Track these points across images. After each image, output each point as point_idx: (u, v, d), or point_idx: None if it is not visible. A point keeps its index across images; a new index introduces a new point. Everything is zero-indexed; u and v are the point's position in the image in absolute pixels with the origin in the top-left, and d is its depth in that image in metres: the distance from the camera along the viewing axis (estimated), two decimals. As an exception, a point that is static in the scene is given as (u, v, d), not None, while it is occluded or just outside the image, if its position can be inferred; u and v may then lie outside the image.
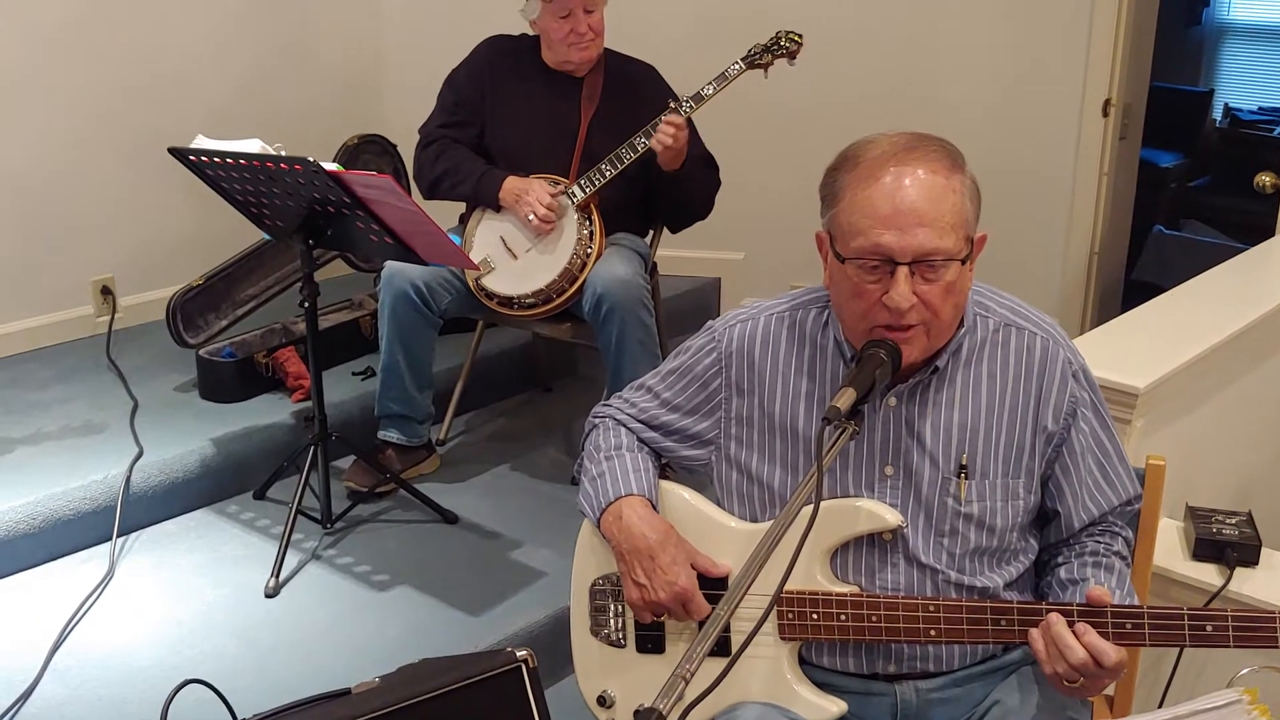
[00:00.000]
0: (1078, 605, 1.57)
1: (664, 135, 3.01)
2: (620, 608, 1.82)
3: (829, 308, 1.72)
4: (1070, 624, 1.55)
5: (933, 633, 1.65)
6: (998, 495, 1.68)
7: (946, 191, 1.55)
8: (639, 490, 1.78)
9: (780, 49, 3.12)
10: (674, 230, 3.42)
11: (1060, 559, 1.75)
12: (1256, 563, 2.22)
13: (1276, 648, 1.52)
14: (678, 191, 3.21)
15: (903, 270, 1.54)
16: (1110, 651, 1.52)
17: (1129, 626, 1.55)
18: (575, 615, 1.87)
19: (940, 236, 1.53)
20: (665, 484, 1.83)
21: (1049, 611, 1.57)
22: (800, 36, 3.12)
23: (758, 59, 3.12)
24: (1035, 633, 1.58)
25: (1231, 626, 1.53)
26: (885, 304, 1.56)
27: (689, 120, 3.12)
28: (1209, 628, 1.53)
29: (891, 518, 1.67)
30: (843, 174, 1.60)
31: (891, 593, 1.69)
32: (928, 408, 1.68)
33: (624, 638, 1.82)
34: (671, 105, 3.05)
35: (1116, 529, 1.75)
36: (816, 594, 1.68)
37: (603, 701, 1.83)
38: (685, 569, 1.71)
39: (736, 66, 3.10)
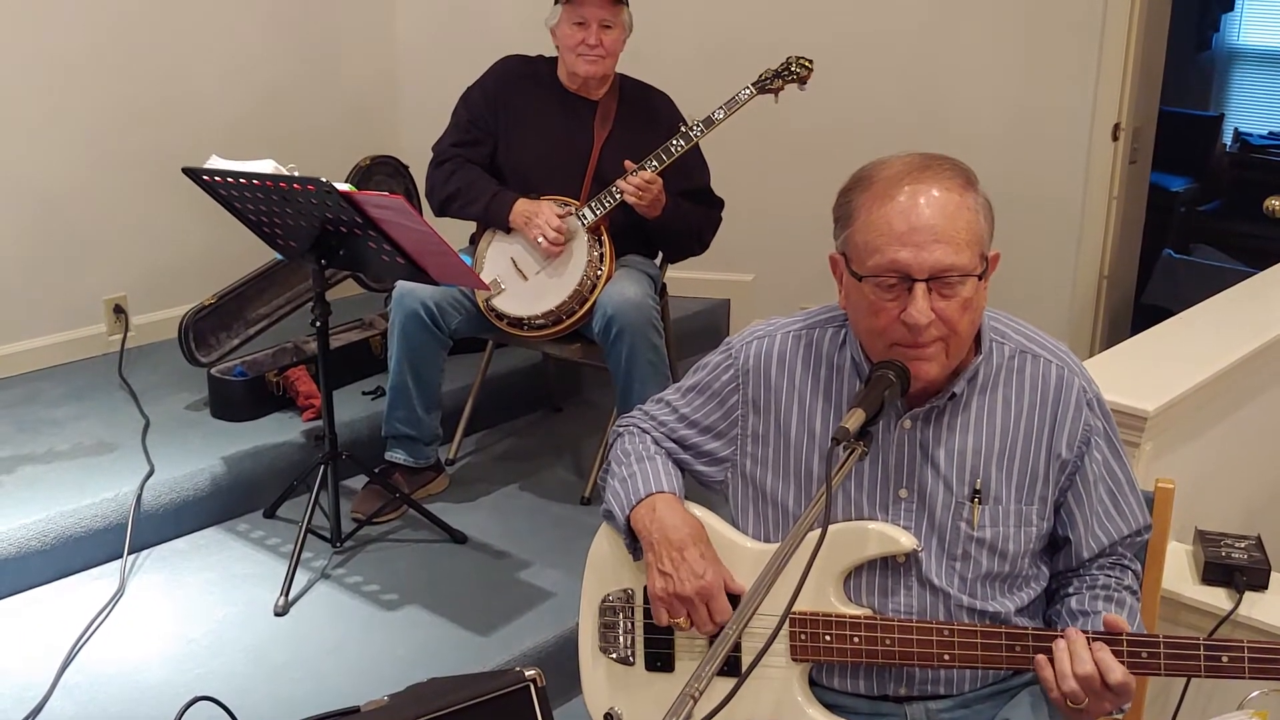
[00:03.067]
0: (1094, 632, 1.57)
1: (629, 195, 3.03)
2: (630, 624, 1.82)
3: (846, 327, 1.73)
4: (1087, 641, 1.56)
5: (946, 657, 1.65)
6: (1010, 521, 1.68)
7: (961, 208, 1.56)
8: (670, 489, 1.80)
9: (791, 74, 3.13)
10: (671, 261, 3.44)
11: (1071, 589, 1.75)
12: (1266, 587, 2.22)
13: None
14: (662, 233, 3.24)
15: (920, 286, 1.54)
16: (1116, 669, 1.53)
17: (1144, 655, 1.55)
18: (584, 631, 1.88)
19: (956, 253, 1.54)
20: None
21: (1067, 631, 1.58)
22: (811, 62, 3.14)
23: (768, 84, 3.13)
24: (1043, 657, 1.58)
25: (1247, 657, 1.52)
26: (904, 321, 1.56)
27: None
28: (1225, 658, 1.53)
29: (906, 540, 1.67)
30: (857, 194, 1.60)
31: (904, 616, 1.69)
32: (943, 432, 1.68)
33: (633, 655, 1.82)
34: (645, 159, 3.06)
35: (1126, 562, 1.75)
36: (830, 615, 1.69)
37: (610, 719, 1.84)
38: (714, 566, 1.72)
39: (747, 91, 3.11)
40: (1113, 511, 1.72)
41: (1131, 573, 1.75)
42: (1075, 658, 1.54)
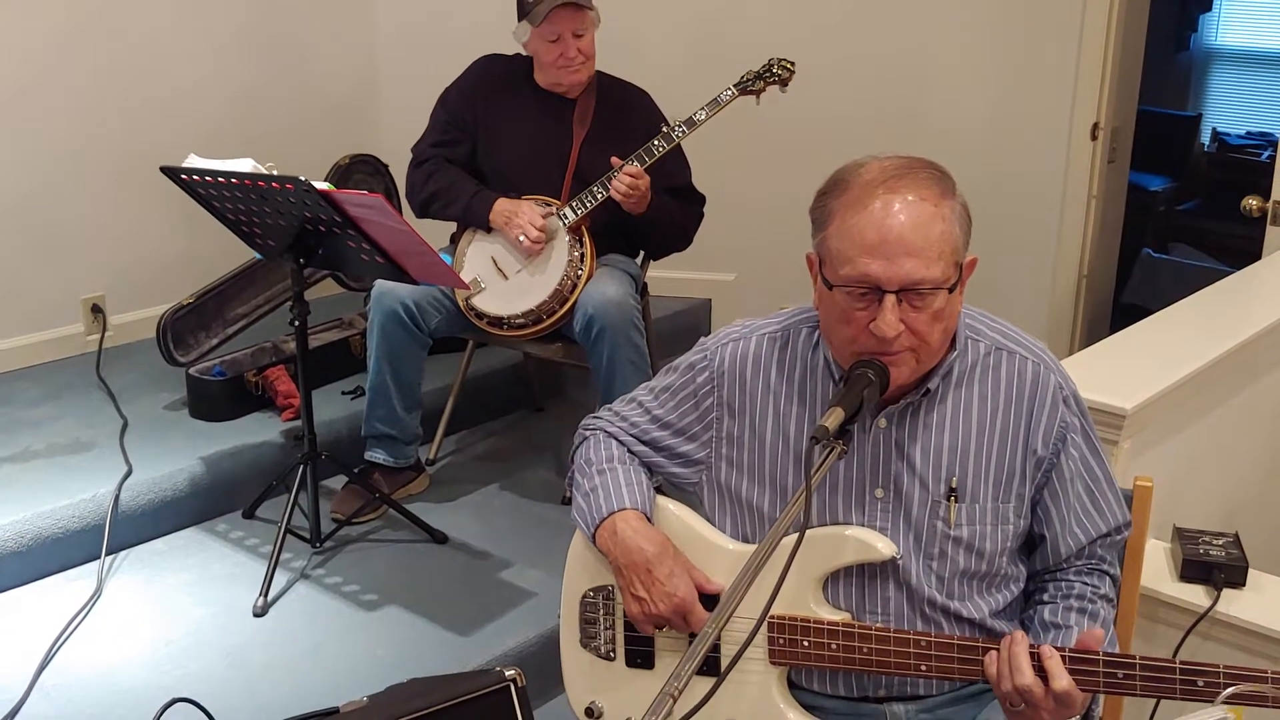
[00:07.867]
0: (1070, 651, 1.56)
1: (620, 186, 3.03)
2: (610, 620, 1.82)
3: (820, 327, 1.73)
4: (1034, 649, 1.55)
5: (923, 668, 1.64)
6: (987, 519, 1.68)
7: (935, 219, 1.54)
8: (632, 504, 1.77)
9: (773, 76, 3.14)
10: (654, 259, 3.44)
11: (1046, 596, 1.74)
12: (1244, 584, 2.23)
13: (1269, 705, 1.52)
14: (648, 229, 3.24)
15: (890, 299, 1.53)
16: (1061, 677, 1.52)
17: (1120, 675, 1.54)
18: (565, 626, 1.87)
19: (927, 266, 1.52)
20: (658, 499, 1.83)
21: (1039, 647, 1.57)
22: (792, 64, 3.14)
23: (750, 86, 3.14)
24: (993, 654, 1.59)
25: (1224, 682, 1.51)
26: (872, 331, 1.55)
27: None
28: (1200, 683, 1.51)
29: (884, 548, 1.66)
30: (832, 198, 1.59)
31: (883, 616, 1.69)
32: (918, 430, 1.68)
33: (614, 651, 1.82)
34: (627, 159, 3.05)
35: (1105, 567, 1.74)
36: (808, 621, 1.68)
37: (591, 713, 1.84)
38: (683, 580, 1.72)
39: (729, 93, 3.11)
40: (1090, 509, 1.71)
41: (1110, 579, 1.74)
42: (1016, 669, 1.54)
